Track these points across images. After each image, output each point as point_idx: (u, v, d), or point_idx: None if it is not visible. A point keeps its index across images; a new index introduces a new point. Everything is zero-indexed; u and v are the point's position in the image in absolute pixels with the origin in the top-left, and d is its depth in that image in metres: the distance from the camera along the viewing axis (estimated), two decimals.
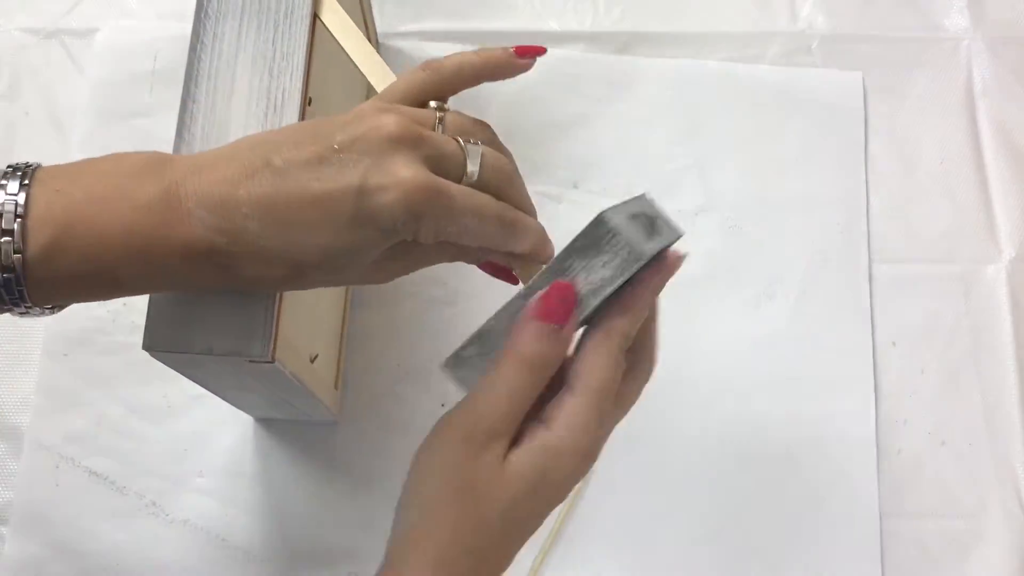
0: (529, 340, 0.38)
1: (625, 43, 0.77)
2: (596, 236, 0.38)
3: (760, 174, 0.74)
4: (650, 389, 0.62)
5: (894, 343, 0.70)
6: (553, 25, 0.78)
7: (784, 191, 0.73)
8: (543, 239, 0.42)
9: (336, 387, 0.66)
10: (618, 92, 0.76)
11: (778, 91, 0.76)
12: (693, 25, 0.78)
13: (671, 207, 0.71)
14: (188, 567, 0.64)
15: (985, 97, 0.76)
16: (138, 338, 0.70)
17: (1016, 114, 0.76)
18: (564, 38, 0.77)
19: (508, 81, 0.76)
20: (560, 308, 0.38)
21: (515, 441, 0.39)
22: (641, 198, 0.43)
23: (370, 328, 0.69)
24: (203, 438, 0.67)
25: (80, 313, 0.69)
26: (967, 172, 0.75)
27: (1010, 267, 0.72)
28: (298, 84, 0.46)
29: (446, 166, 0.39)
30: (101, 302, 0.69)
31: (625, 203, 0.41)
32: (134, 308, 0.69)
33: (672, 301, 0.70)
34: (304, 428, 0.67)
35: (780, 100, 0.76)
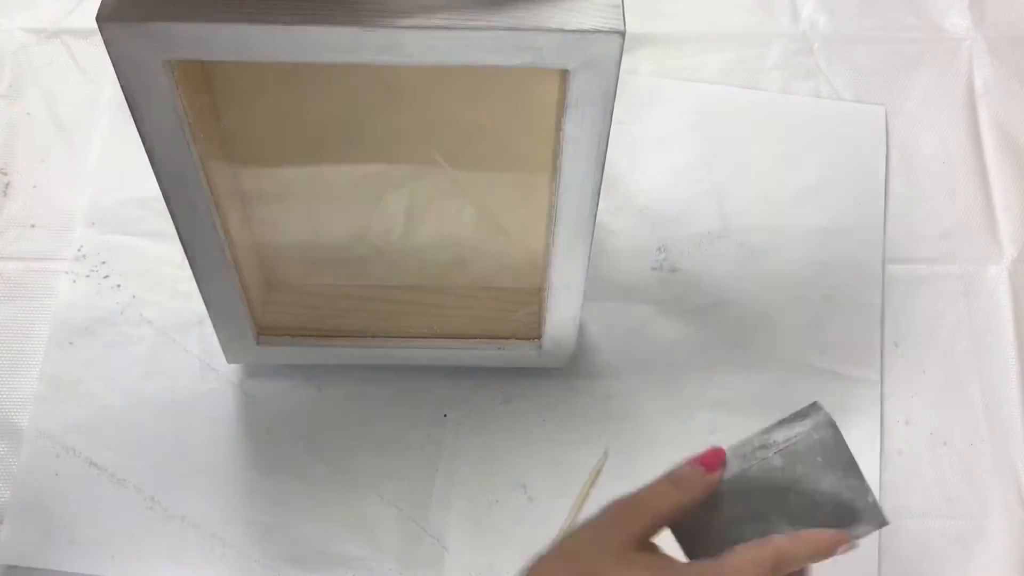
0: (680, 470, 0.48)
1: (627, 45, 0.77)
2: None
3: (778, 202, 0.74)
4: (668, 398, 0.63)
5: (896, 343, 0.71)
6: None
7: (801, 220, 0.73)
8: None
9: None
10: (638, 113, 0.75)
11: (799, 120, 0.76)
12: (695, 26, 0.78)
13: (686, 231, 0.72)
14: (183, 564, 0.64)
15: (986, 97, 0.76)
16: (145, 331, 0.70)
17: (1017, 114, 0.76)
18: None
19: None
20: (711, 459, 0.49)
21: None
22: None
23: None
24: (205, 436, 0.67)
25: (88, 303, 0.69)
26: (968, 172, 0.75)
27: (1012, 267, 0.72)
28: None
29: None
30: (109, 294, 0.69)
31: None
32: (143, 300, 0.69)
33: (686, 325, 0.71)
34: (307, 432, 0.67)
35: (801, 129, 0.75)
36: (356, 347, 0.65)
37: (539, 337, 0.64)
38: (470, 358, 0.66)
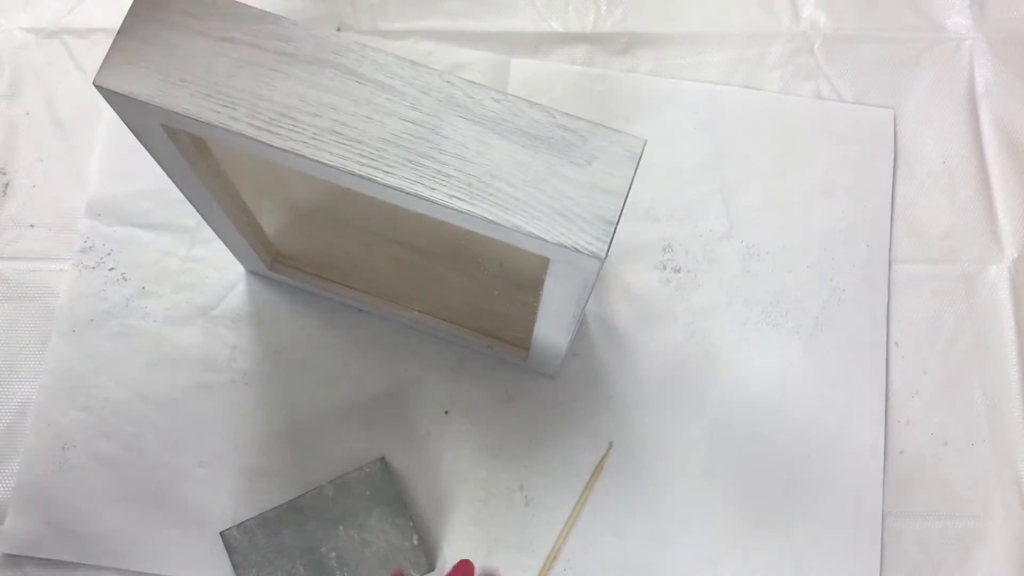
0: None
1: (627, 44, 0.77)
2: None
3: (784, 204, 0.74)
4: (671, 397, 0.62)
5: (897, 343, 0.71)
6: (555, 26, 0.77)
7: (807, 222, 0.73)
8: None
9: None
10: (646, 112, 0.75)
11: (808, 122, 0.75)
12: (695, 26, 0.78)
13: (691, 231, 0.72)
14: (184, 555, 0.64)
15: (987, 97, 0.76)
16: (149, 323, 0.71)
17: (1018, 114, 0.76)
18: (566, 39, 0.77)
19: (538, 92, 0.76)
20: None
21: None
22: None
23: None
24: (205, 429, 0.67)
25: (93, 295, 0.69)
26: (969, 172, 0.75)
27: (1012, 267, 0.72)
28: None
29: None
30: (115, 286, 0.69)
31: None
32: (148, 292, 0.70)
33: (690, 325, 0.71)
34: (307, 431, 0.67)
35: (809, 131, 0.75)
36: (358, 296, 0.67)
37: (527, 349, 0.64)
38: (464, 340, 0.67)
